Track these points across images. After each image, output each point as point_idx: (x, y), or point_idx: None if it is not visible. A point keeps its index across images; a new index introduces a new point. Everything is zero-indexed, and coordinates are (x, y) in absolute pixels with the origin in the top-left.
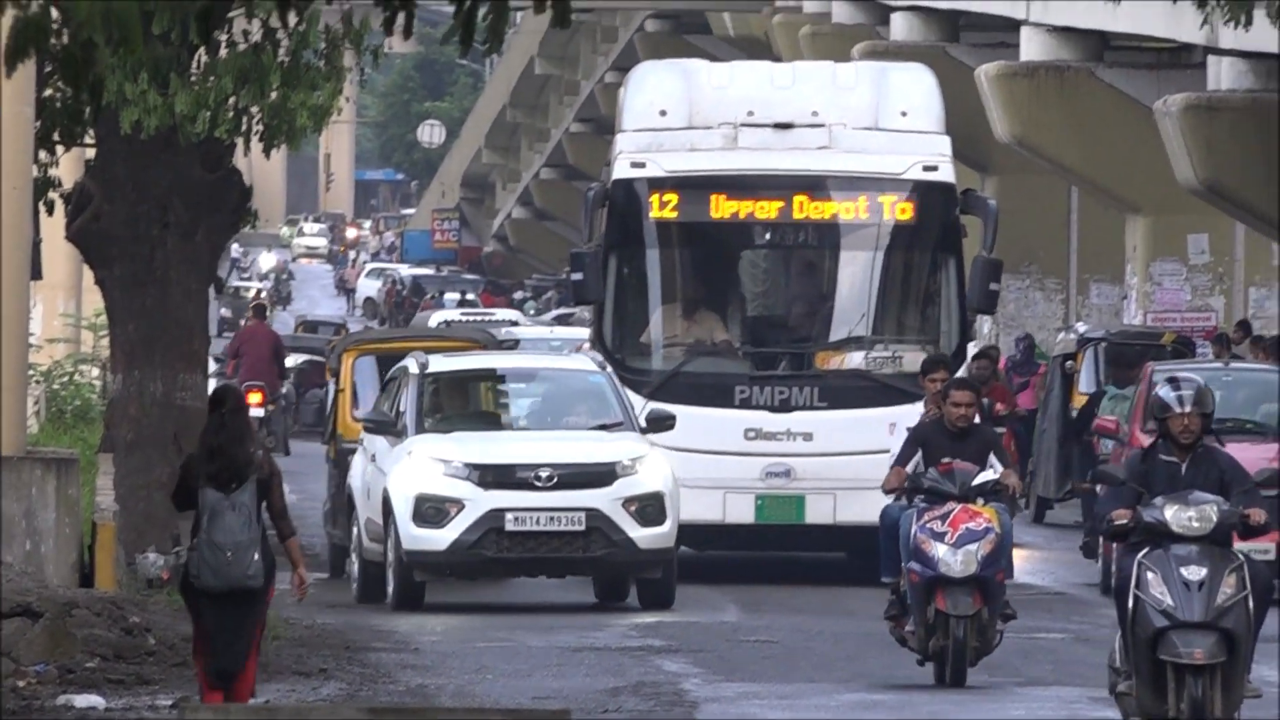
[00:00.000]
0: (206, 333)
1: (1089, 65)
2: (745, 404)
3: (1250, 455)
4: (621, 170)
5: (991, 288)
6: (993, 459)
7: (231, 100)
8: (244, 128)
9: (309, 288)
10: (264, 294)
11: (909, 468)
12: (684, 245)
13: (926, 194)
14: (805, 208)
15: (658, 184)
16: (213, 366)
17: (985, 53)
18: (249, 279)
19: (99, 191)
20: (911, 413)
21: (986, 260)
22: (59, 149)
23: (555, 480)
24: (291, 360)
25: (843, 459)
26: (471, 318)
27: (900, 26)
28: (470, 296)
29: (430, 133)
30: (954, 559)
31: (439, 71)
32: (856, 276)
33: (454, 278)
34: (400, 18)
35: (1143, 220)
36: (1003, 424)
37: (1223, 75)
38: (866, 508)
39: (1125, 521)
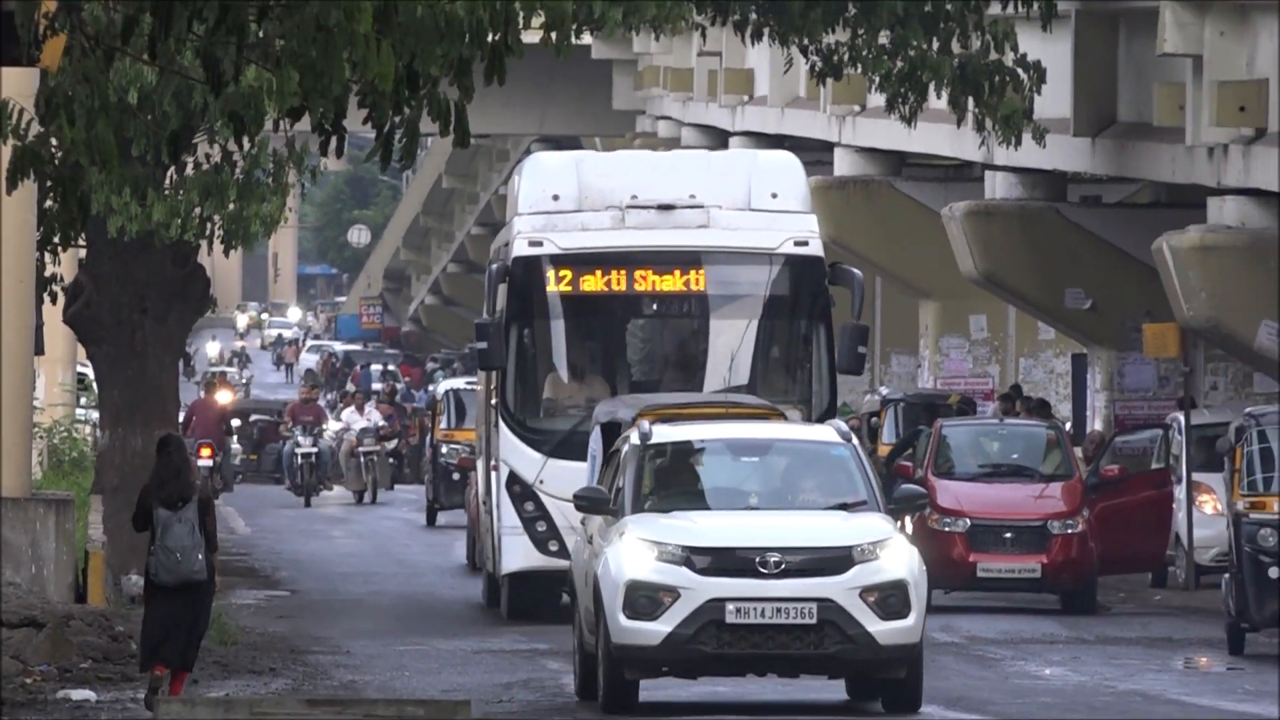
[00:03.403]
0: (177, 398)
1: (889, 179)
2: None
3: (1020, 495)
4: (520, 248)
5: (859, 350)
6: None
7: (197, 210)
8: (208, 232)
9: (256, 364)
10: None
11: None
12: (578, 315)
13: (799, 267)
14: (688, 281)
15: (554, 260)
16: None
17: (805, 169)
18: (194, 365)
19: (90, 284)
20: None
21: (854, 326)
22: (59, 250)
23: (783, 566)
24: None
25: None
26: None
27: (735, 148)
28: (391, 367)
29: (358, 235)
30: None
31: (365, 185)
32: (735, 342)
33: (378, 352)
34: (333, 142)
35: (933, 304)
36: None
37: (997, 186)
38: None
39: None
